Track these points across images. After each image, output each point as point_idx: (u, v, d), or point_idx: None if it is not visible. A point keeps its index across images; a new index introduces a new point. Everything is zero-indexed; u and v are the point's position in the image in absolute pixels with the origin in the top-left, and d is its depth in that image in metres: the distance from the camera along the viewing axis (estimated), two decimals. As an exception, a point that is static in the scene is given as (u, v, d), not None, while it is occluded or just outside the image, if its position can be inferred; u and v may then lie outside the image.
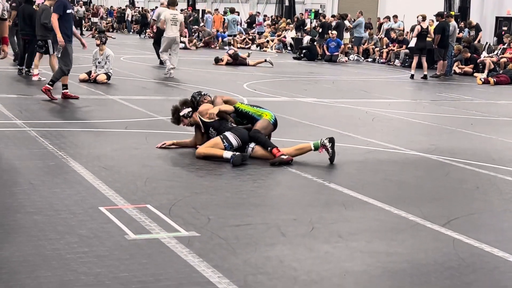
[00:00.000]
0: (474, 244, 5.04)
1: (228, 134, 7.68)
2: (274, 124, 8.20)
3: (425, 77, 20.07)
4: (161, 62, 18.91)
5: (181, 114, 8.02)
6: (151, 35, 22.58)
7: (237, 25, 32.54)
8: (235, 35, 31.54)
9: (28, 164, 6.81)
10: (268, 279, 4.15)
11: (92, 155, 7.38)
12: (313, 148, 7.70)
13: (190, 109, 8.05)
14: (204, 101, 8.22)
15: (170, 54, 16.74)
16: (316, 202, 6.04)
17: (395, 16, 29.49)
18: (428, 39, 21.56)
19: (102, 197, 5.74)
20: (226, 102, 8.23)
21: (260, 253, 4.60)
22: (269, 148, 7.60)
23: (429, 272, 4.44)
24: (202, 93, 8.36)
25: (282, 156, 7.46)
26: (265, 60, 22.32)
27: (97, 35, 15.29)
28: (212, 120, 7.85)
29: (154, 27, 20.67)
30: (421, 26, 20.48)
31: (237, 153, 7.40)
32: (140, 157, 7.47)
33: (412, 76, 20.14)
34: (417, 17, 21.22)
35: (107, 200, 5.66)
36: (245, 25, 35.70)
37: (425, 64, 20.42)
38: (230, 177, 6.82)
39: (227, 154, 7.43)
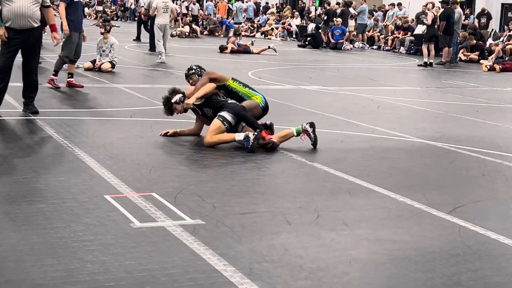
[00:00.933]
0: (480, 232, 5.03)
1: (225, 114, 7.59)
2: (264, 109, 8.03)
3: (430, 64, 19.98)
4: (152, 49, 19.67)
5: (173, 101, 7.90)
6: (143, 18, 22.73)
7: (243, 12, 32.45)
8: (241, 23, 31.48)
9: (33, 153, 6.82)
10: (273, 267, 4.15)
11: (97, 144, 7.39)
12: (295, 133, 7.64)
13: (181, 94, 7.93)
14: (190, 81, 8.11)
15: (158, 40, 17.09)
16: (322, 190, 6.03)
17: (399, 4, 29.34)
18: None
19: (108, 186, 5.74)
20: (213, 79, 7.93)
21: (265, 241, 4.60)
22: (258, 130, 7.44)
23: (434, 260, 4.43)
24: (190, 72, 8.20)
25: (273, 140, 7.41)
26: (269, 47, 22.26)
27: (101, 23, 15.27)
28: (200, 102, 7.78)
29: (143, 14, 21.20)
30: (434, 13, 20.41)
31: (250, 135, 7.29)
32: (145, 146, 7.47)
33: (426, 64, 19.93)
34: (427, 5, 21.18)
35: (113, 188, 5.67)
36: (252, 13, 35.49)
37: (433, 52, 20.34)
38: (235, 165, 6.81)
39: (240, 136, 7.38)
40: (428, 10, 20.93)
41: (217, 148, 7.42)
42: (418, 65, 19.93)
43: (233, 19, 32.44)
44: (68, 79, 11.73)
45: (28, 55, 8.86)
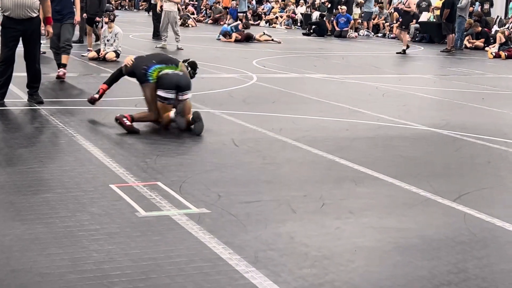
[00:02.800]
0: (485, 219, 5.03)
1: (160, 92, 7.69)
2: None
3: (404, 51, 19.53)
4: (156, 36, 20.20)
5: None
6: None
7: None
8: (244, 12, 31.36)
9: (38, 143, 6.83)
10: (279, 256, 4.15)
11: (102, 133, 7.39)
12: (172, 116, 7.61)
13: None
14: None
15: (166, 30, 17.40)
16: (327, 178, 6.03)
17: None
18: (437, 12, 21.35)
19: (113, 175, 5.75)
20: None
21: (270, 230, 4.60)
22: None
23: (440, 247, 4.43)
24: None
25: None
26: (272, 40, 22.20)
27: (106, 13, 15.28)
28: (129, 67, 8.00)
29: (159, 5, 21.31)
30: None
31: (179, 116, 7.47)
32: (150, 135, 7.47)
33: (405, 51, 19.63)
34: None
35: (118, 177, 5.67)
36: (254, 2, 35.35)
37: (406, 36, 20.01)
38: (240, 154, 6.81)
39: (172, 114, 7.58)
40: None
41: (222, 137, 7.42)
42: (397, 53, 19.56)
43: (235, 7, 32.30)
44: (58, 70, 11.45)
45: (28, 45, 8.85)
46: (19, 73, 9.95)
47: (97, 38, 16.97)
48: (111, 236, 4.33)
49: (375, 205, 5.30)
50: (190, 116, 7.60)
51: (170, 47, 17.62)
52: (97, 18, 15.13)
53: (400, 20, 21.33)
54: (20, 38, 8.80)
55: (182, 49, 17.29)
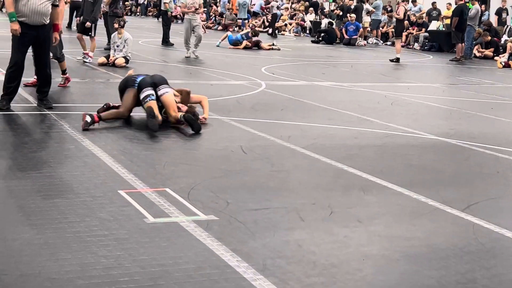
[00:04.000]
0: (494, 229, 5.02)
1: (141, 94, 8.13)
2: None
3: (397, 60, 19.42)
4: (165, 43, 20.21)
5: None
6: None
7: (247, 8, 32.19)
8: (245, 19, 31.36)
9: (48, 147, 6.86)
10: (287, 263, 4.16)
11: (110, 139, 7.42)
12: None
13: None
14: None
15: (188, 39, 17.14)
16: (335, 186, 6.03)
17: (414, 0, 29.21)
18: (446, 21, 21.29)
19: (121, 181, 5.76)
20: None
21: (279, 237, 4.60)
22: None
23: (448, 257, 4.42)
24: None
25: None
26: (273, 44, 22.20)
27: (117, 19, 15.32)
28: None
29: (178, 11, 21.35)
30: (405, 7, 20.03)
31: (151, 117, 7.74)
32: (159, 141, 7.49)
33: (398, 59, 19.44)
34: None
35: (126, 183, 5.69)
36: (258, 8, 35.20)
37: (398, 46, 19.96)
38: (248, 161, 6.82)
39: (179, 115, 8.04)
40: (398, 3, 20.62)
41: (230, 144, 7.43)
42: (390, 60, 19.49)
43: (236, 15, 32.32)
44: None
45: (40, 51, 8.92)
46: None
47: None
48: (119, 241, 4.35)
49: (383, 213, 5.29)
50: (179, 114, 7.99)
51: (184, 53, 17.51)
52: (87, 24, 14.95)
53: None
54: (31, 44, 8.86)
55: (197, 57, 17.07)
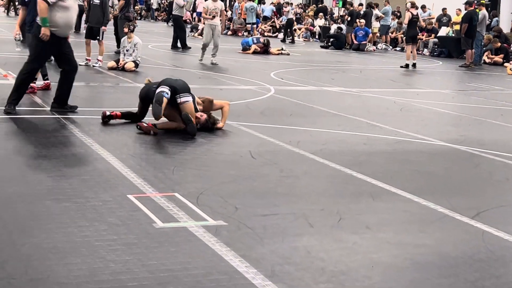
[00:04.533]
0: (504, 237, 4.99)
1: (158, 88, 8.15)
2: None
3: (413, 65, 19.33)
4: (173, 48, 20.36)
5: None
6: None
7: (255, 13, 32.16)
8: (253, 23, 31.36)
9: (57, 152, 6.87)
10: (295, 270, 4.15)
11: (120, 143, 7.43)
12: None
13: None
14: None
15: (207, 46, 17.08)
16: (344, 193, 6.02)
17: (423, 6, 29.15)
18: (456, 27, 21.25)
19: (131, 185, 5.77)
20: None
21: (287, 243, 4.59)
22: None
23: (457, 265, 4.40)
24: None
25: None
26: (282, 49, 22.20)
27: (127, 23, 15.36)
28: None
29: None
30: (411, 13, 19.89)
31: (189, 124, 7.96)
32: (168, 145, 7.50)
33: (408, 65, 19.38)
34: (406, 4, 20.76)
35: (135, 188, 5.69)
36: (269, 12, 35.19)
37: (414, 52, 19.76)
38: (257, 166, 6.81)
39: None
40: (406, 9, 20.53)
41: (240, 149, 7.43)
42: (401, 67, 19.48)
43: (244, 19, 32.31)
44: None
45: (64, 57, 8.97)
46: (37, 81, 10.06)
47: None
48: (128, 246, 4.35)
49: (392, 220, 5.28)
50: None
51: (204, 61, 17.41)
52: (103, 28, 14.99)
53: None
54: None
55: (216, 64, 16.85)
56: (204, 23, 18.26)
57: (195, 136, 7.84)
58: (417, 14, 19.94)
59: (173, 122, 8.19)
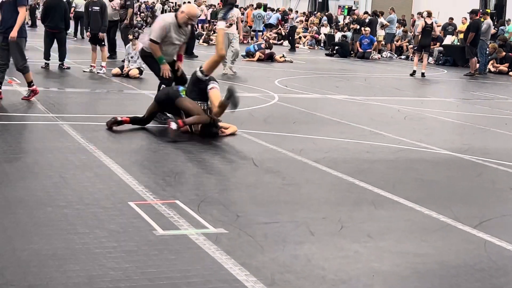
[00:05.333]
0: (506, 247, 4.96)
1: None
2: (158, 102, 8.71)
3: (422, 74, 19.37)
4: (189, 55, 19.93)
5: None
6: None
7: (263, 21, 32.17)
8: (260, 31, 31.38)
9: (59, 158, 6.87)
10: (295, 278, 4.13)
11: (122, 150, 7.42)
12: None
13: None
14: None
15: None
16: (346, 201, 5.99)
17: (429, 15, 29.12)
18: (461, 36, 21.26)
19: (132, 192, 5.76)
20: None
21: (288, 252, 4.57)
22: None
23: (459, 274, 4.38)
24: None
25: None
26: (284, 56, 22.21)
27: (132, 30, 15.40)
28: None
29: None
30: (426, 22, 19.92)
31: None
32: (170, 152, 7.49)
33: (415, 72, 19.46)
34: (422, 13, 20.84)
35: (137, 195, 5.68)
36: (274, 20, 35.23)
37: (425, 61, 19.81)
38: (259, 173, 6.80)
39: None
40: (418, 19, 20.60)
41: (242, 156, 7.43)
42: (410, 75, 19.50)
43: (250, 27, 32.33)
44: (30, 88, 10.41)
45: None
46: (40, 87, 10.08)
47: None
48: (128, 254, 4.33)
49: (394, 229, 5.25)
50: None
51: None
52: (100, 34, 15.04)
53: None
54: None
55: (235, 74, 16.52)
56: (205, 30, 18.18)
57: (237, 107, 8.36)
58: (431, 24, 19.91)
59: (196, 115, 8.32)
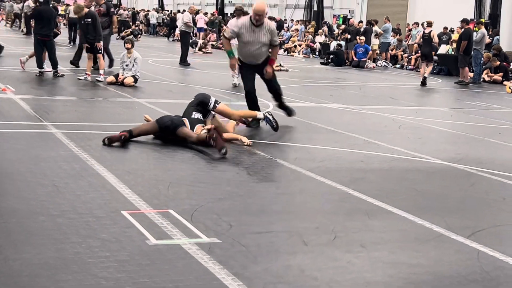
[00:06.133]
0: (499, 257, 4.96)
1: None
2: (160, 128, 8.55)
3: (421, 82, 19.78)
4: (183, 62, 20.17)
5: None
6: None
7: None
8: None
9: (52, 166, 6.85)
10: (288, 288, 4.12)
11: (116, 158, 7.41)
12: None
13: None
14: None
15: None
16: (339, 211, 5.99)
17: (424, 23, 29.24)
18: (455, 46, 21.43)
19: (125, 201, 5.75)
20: None
21: (281, 262, 4.57)
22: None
23: (452, 285, 4.37)
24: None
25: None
26: (280, 65, 22.23)
27: (128, 38, 15.42)
28: None
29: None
30: (424, 32, 20.53)
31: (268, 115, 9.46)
32: (164, 161, 7.48)
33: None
34: (423, 23, 21.34)
35: (130, 204, 5.67)
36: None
37: (428, 69, 20.28)
38: (253, 183, 6.79)
39: (260, 115, 9.82)
40: (415, 28, 21.00)
41: (236, 165, 7.42)
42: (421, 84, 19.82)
43: None
44: None
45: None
46: (34, 95, 10.06)
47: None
48: (120, 263, 4.32)
49: (387, 239, 5.25)
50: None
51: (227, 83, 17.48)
52: (98, 44, 15.04)
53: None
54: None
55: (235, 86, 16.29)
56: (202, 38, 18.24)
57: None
58: (429, 33, 20.28)
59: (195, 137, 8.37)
